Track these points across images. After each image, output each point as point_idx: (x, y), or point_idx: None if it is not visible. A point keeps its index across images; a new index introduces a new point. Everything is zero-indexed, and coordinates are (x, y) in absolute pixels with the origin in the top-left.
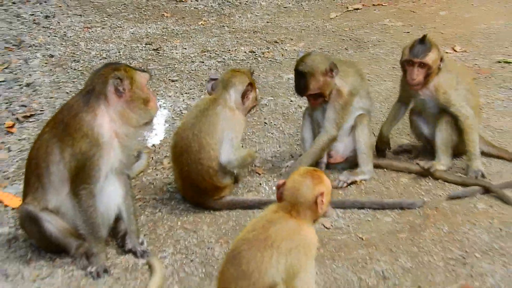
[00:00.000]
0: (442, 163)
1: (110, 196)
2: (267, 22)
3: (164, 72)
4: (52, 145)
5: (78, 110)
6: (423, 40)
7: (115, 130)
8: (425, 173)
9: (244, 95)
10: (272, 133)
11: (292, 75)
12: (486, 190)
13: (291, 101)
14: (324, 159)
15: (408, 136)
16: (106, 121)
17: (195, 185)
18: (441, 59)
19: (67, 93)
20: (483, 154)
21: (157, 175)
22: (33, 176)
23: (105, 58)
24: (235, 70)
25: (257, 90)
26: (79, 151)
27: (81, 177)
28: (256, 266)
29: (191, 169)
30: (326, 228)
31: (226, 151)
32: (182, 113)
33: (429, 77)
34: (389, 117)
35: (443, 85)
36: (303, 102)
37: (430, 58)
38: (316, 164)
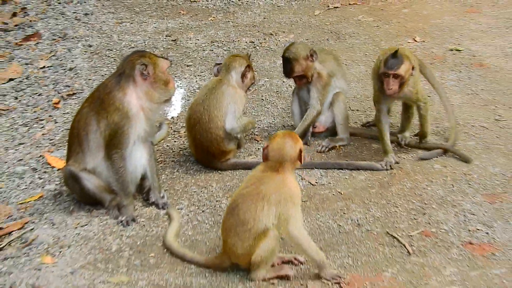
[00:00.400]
0: (407, 135)
1: (137, 159)
2: (264, 18)
3: (181, 58)
4: (90, 117)
5: (112, 89)
6: (395, 54)
7: (141, 105)
8: (395, 141)
9: (243, 75)
10: (267, 108)
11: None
12: (445, 151)
13: (283, 81)
14: (310, 129)
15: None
16: (133, 98)
17: (205, 150)
18: (413, 68)
19: (102, 76)
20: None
21: (175, 142)
22: (75, 143)
23: (133, 47)
24: (235, 55)
25: (254, 71)
26: (112, 122)
27: (114, 143)
28: (251, 215)
29: (202, 137)
30: (312, 184)
31: (230, 120)
32: (195, 91)
33: (403, 85)
34: (381, 133)
35: (414, 86)
36: (292, 83)
37: (403, 69)
38: (305, 133)
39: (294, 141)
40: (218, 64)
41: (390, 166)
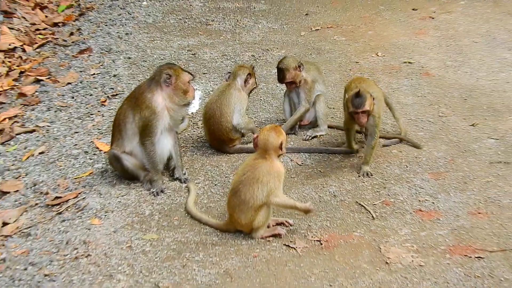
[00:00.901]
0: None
1: (164, 144)
2: (262, 37)
3: (199, 68)
4: (128, 112)
5: (144, 90)
6: (358, 94)
7: (165, 105)
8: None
9: (245, 81)
10: (265, 106)
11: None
12: (401, 140)
13: (277, 86)
14: (298, 122)
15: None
16: (160, 99)
17: (217, 138)
18: (373, 99)
19: (138, 81)
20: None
21: (194, 132)
22: (116, 131)
23: (162, 59)
24: (241, 65)
25: (255, 78)
26: (143, 116)
27: (145, 133)
28: (250, 196)
29: (215, 128)
30: (299, 165)
31: (236, 117)
32: (209, 93)
33: (370, 115)
34: (348, 138)
35: (377, 112)
36: (284, 87)
37: (367, 105)
38: (294, 125)
39: (277, 134)
40: (229, 72)
41: (357, 151)
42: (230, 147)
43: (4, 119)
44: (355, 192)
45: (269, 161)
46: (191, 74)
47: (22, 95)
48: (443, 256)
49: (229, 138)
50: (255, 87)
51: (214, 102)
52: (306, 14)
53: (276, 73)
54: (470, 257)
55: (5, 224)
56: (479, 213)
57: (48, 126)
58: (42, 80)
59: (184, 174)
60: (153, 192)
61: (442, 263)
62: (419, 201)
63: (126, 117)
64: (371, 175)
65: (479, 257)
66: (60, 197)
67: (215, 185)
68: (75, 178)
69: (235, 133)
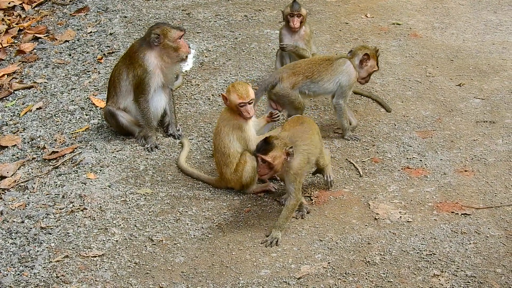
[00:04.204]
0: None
1: (158, 101)
2: None
3: (193, 27)
4: (122, 70)
5: (136, 50)
6: (266, 140)
7: (157, 64)
8: None
9: (361, 62)
10: (257, 65)
11: (269, 30)
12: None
13: (269, 45)
14: None
15: None
16: (152, 58)
17: None
18: (288, 154)
19: (134, 39)
20: None
21: (188, 89)
22: (112, 88)
23: (157, 18)
24: (363, 46)
25: (377, 61)
26: (137, 74)
27: (139, 90)
28: (223, 145)
29: None
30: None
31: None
32: (203, 52)
33: (272, 169)
34: None
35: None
36: (276, 46)
37: (270, 156)
38: None
39: (237, 93)
40: (351, 51)
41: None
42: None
43: (3, 75)
44: (344, 150)
45: (233, 114)
46: (181, 30)
47: (20, 52)
48: (430, 212)
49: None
50: (375, 70)
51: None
52: None
53: (292, 5)
54: (457, 213)
55: (2, 177)
56: (466, 171)
57: (45, 82)
58: (40, 37)
59: (178, 130)
60: (147, 147)
61: (430, 220)
62: (407, 158)
63: (121, 74)
64: (278, 244)
65: (466, 214)
66: (57, 152)
67: (208, 141)
68: (72, 133)
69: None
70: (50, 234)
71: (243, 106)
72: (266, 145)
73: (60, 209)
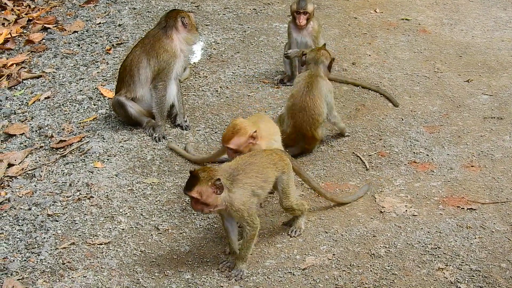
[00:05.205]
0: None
1: (170, 91)
2: None
3: (202, 20)
4: (142, 57)
5: (160, 37)
6: (192, 173)
7: (181, 48)
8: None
9: (329, 67)
10: (265, 58)
11: (277, 24)
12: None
13: (277, 39)
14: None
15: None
16: (176, 42)
17: (301, 133)
18: (218, 188)
19: (143, 30)
20: None
21: (195, 81)
22: (127, 76)
23: (166, 10)
24: (319, 48)
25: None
26: (162, 60)
27: (161, 76)
28: None
29: (304, 121)
30: None
31: (332, 112)
32: (211, 44)
33: (203, 204)
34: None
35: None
36: (284, 40)
37: (195, 191)
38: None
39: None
40: (303, 55)
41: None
42: (309, 148)
43: (12, 64)
44: (351, 143)
45: None
46: (192, 12)
47: (29, 42)
48: (436, 206)
49: (313, 136)
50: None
51: (304, 94)
52: None
53: (298, 1)
54: (463, 208)
55: (10, 165)
56: (472, 166)
57: (54, 72)
58: (49, 28)
59: (186, 121)
60: (155, 137)
61: (435, 214)
62: (414, 153)
63: (140, 62)
64: (243, 277)
65: (471, 208)
66: (65, 141)
67: (215, 132)
68: (79, 123)
69: (320, 131)
70: (57, 221)
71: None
72: (191, 180)
73: (67, 197)
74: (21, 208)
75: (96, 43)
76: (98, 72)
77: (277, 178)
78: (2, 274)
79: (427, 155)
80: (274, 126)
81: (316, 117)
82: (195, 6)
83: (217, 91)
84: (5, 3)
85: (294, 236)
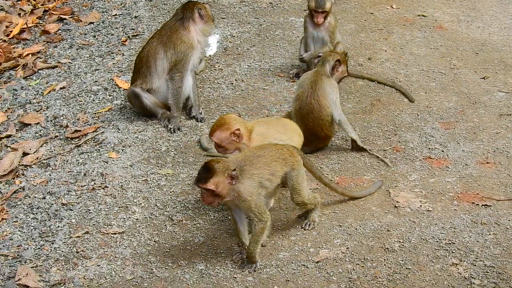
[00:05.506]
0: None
1: (186, 83)
2: None
3: (217, 13)
4: (159, 48)
5: (178, 28)
6: (206, 165)
7: (198, 39)
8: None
9: (333, 68)
10: (281, 52)
11: (294, 18)
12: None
13: (293, 33)
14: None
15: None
16: (193, 33)
17: (314, 134)
18: (233, 178)
19: (159, 23)
20: None
21: (211, 73)
22: (143, 67)
23: (182, 2)
24: (332, 51)
25: (347, 66)
26: (179, 51)
27: (178, 67)
28: None
29: (314, 123)
30: None
31: (336, 111)
32: (227, 37)
33: (219, 196)
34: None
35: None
36: (300, 34)
37: (211, 183)
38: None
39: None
40: (319, 56)
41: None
42: (323, 145)
43: (28, 54)
44: (367, 137)
45: None
46: (207, 3)
47: (45, 32)
48: (451, 202)
49: (326, 135)
50: (345, 76)
51: (309, 95)
52: None
53: (318, 3)
54: (478, 204)
55: (25, 154)
56: (488, 163)
57: (69, 63)
58: (65, 19)
59: (201, 113)
60: (170, 128)
61: (450, 209)
62: (429, 149)
63: (157, 54)
64: (256, 270)
65: (486, 205)
66: (79, 131)
67: None
68: (95, 113)
69: (333, 128)
70: (71, 210)
71: None
72: (205, 172)
73: (81, 186)
74: (35, 197)
75: (112, 35)
76: (113, 63)
77: (286, 173)
78: (16, 262)
79: (442, 151)
80: (283, 133)
81: (325, 117)
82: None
83: (232, 84)
84: None
85: (308, 229)
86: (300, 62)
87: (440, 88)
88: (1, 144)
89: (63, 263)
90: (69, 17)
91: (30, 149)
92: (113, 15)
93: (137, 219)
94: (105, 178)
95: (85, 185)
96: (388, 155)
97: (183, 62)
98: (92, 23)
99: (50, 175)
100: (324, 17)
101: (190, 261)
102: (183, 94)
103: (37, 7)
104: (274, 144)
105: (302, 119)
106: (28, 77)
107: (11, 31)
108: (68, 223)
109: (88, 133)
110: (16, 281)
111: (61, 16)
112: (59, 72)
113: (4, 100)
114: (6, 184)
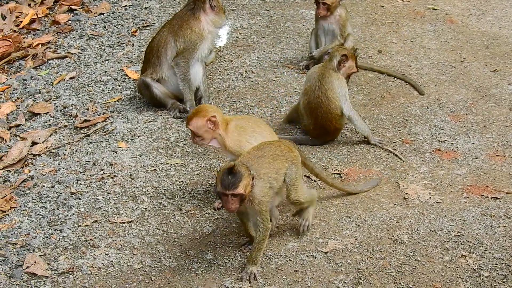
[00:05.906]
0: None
1: (196, 73)
2: None
3: (228, 5)
4: (169, 38)
5: (188, 18)
6: (232, 170)
7: (208, 30)
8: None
9: (340, 63)
10: (291, 44)
11: (304, 10)
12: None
13: (303, 25)
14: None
15: None
16: (204, 24)
17: (323, 128)
18: (253, 178)
19: (169, 14)
20: None
21: (221, 64)
22: (154, 57)
23: None
24: (340, 46)
25: (356, 61)
26: (189, 40)
27: (184, 54)
28: None
29: (324, 117)
30: None
31: (346, 105)
32: (237, 29)
33: (245, 199)
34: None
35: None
36: (311, 26)
37: (241, 187)
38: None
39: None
40: (328, 52)
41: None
42: (334, 137)
43: (38, 44)
44: (376, 130)
45: None
46: None
47: (55, 23)
48: (460, 195)
49: (336, 128)
50: (354, 72)
51: (317, 89)
52: None
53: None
54: (487, 197)
55: (34, 143)
56: (497, 155)
57: (79, 53)
58: (75, 9)
59: (211, 104)
60: (187, 108)
61: (459, 202)
62: (439, 141)
63: (168, 43)
64: (256, 279)
65: (496, 197)
66: (89, 120)
67: (238, 114)
68: (104, 103)
69: (343, 121)
70: (79, 199)
71: None
72: (233, 178)
73: (90, 175)
74: (44, 186)
75: (122, 25)
76: (123, 54)
77: (287, 169)
78: (24, 250)
79: (452, 143)
80: (264, 132)
81: (334, 111)
82: None
83: (242, 75)
84: None
85: (303, 232)
86: (309, 59)
87: (450, 81)
88: (10, 133)
89: (72, 252)
90: (79, 8)
91: (39, 139)
92: (123, 6)
93: (145, 208)
94: (114, 168)
95: (94, 175)
96: (397, 147)
97: (191, 50)
98: (102, 13)
99: (59, 164)
100: (327, 9)
101: (198, 251)
102: (193, 82)
103: None
104: (269, 142)
105: (311, 113)
106: (38, 67)
107: (21, 21)
108: (76, 212)
109: (97, 123)
110: (24, 269)
111: (71, 6)
112: (69, 62)
113: (13, 90)
114: (15, 173)
